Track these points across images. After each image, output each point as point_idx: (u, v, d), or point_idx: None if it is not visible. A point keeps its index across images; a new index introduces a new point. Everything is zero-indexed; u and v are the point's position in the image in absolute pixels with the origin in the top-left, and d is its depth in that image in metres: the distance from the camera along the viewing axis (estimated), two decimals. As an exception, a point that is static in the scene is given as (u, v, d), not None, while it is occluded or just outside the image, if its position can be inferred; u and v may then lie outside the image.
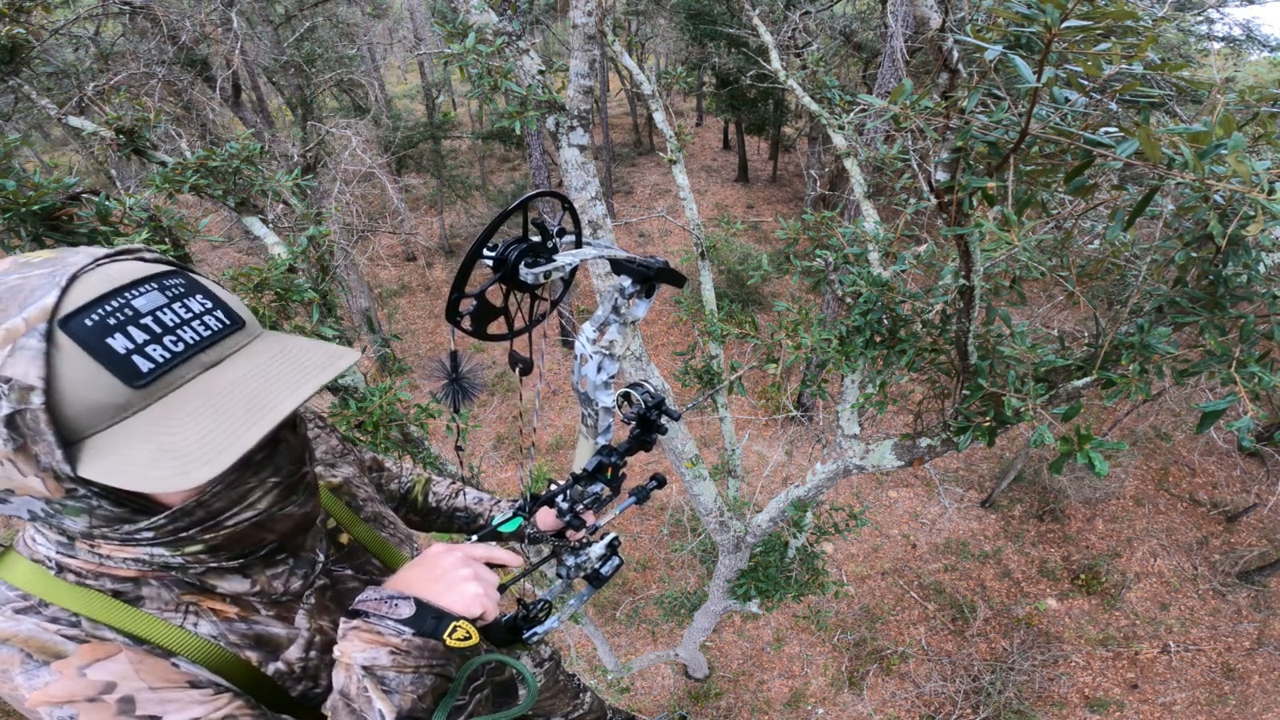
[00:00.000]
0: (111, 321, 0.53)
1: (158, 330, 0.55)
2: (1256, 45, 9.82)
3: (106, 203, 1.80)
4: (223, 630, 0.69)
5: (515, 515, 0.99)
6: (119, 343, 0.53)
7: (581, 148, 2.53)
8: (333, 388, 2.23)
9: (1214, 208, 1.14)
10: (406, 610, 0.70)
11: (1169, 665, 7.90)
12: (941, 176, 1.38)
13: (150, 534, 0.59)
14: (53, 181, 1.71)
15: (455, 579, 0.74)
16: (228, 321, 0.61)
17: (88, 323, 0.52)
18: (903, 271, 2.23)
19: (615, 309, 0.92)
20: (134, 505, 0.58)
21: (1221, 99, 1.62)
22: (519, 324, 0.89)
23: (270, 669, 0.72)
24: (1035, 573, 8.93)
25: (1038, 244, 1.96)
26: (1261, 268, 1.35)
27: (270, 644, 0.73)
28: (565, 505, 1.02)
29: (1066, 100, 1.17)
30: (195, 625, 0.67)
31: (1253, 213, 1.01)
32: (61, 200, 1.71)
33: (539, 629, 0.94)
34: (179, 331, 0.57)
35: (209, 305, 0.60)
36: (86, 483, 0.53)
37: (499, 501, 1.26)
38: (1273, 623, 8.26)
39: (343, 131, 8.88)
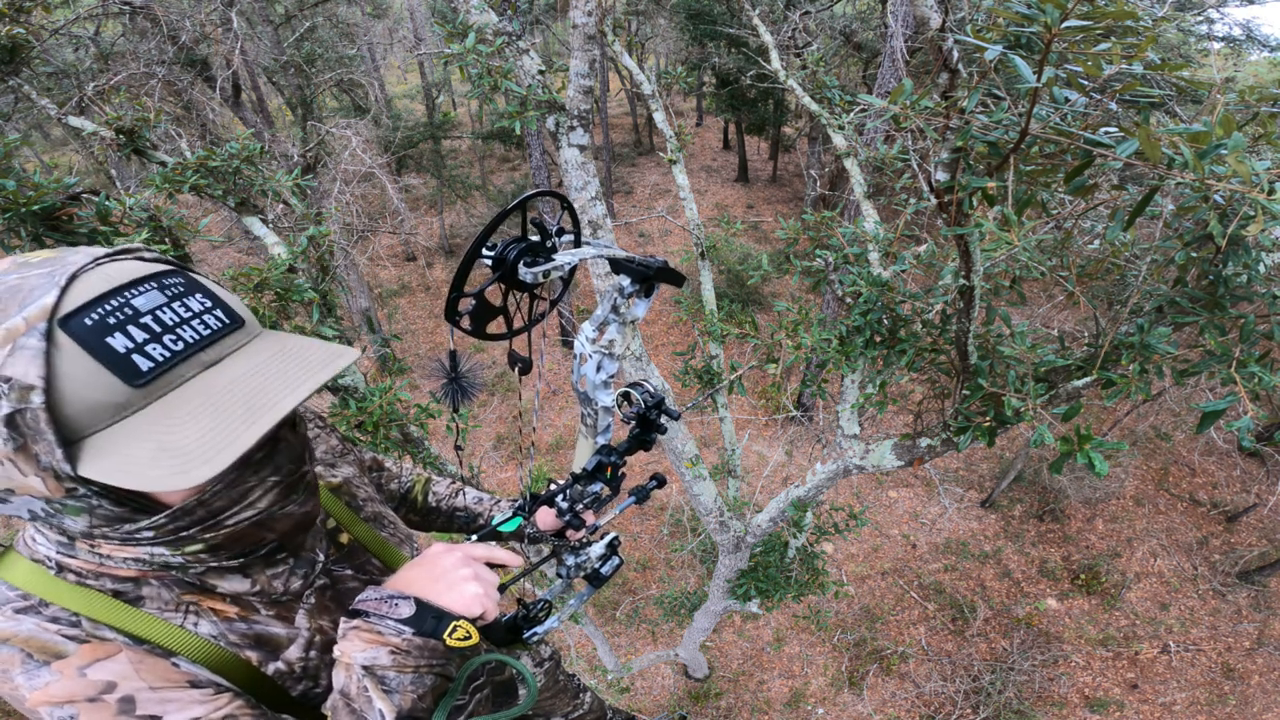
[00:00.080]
0: (111, 321, 0.53)
1: (157, 329, 0.55)
2: (1256, 45, 9.82)
3: (106, 203, 1.80)
4: (223, 630, 0.69)
5: (515, 515, 0.99)
6: (119, 342, 0.53)
7: (581, 148, 2.53)
8: (333, 388, 2.23)
9: (1214, 208, 1.14)
10: (406, 610, 0.70)
11: (1169, 665, 7.90)
12: (941, 176, 1.38)
13: (150, 533, 0.59)
14: (53, 181, 1.71)
15: (455, 579, 0.74)
16: (227, 320, 0.61)
17: (87, 322, 0.52)
18: (903, 271, 2.23)
19: (614, 308, 0.92)
20: (134, 504, 0.58)
21: (1221, 99, 1.62)
22: (518, 323, 0.89)
23: (270, 669, 0.72)
24: (1035, 573, 8.93)
25: (1038, 244, 1.96)
26: (1261, 268, 1.35)
27: (270, 644, 0.73)
28: (565, 505, 1.02)
29: (1066, 100, 1.17)
30: (195, 625, 0.67)
31: (1253, 213, 1.01)
32: (61, 200, 1.71)
33: (539, 629, 0.94)
34: (178, 330, 0.57)
35: (208, 304, 0.60)
36: (86, 482, 0.53)
37: (499, 501, 1.26)
38: (1273, 623, 8.26)
39: (343, 131, 8.88)
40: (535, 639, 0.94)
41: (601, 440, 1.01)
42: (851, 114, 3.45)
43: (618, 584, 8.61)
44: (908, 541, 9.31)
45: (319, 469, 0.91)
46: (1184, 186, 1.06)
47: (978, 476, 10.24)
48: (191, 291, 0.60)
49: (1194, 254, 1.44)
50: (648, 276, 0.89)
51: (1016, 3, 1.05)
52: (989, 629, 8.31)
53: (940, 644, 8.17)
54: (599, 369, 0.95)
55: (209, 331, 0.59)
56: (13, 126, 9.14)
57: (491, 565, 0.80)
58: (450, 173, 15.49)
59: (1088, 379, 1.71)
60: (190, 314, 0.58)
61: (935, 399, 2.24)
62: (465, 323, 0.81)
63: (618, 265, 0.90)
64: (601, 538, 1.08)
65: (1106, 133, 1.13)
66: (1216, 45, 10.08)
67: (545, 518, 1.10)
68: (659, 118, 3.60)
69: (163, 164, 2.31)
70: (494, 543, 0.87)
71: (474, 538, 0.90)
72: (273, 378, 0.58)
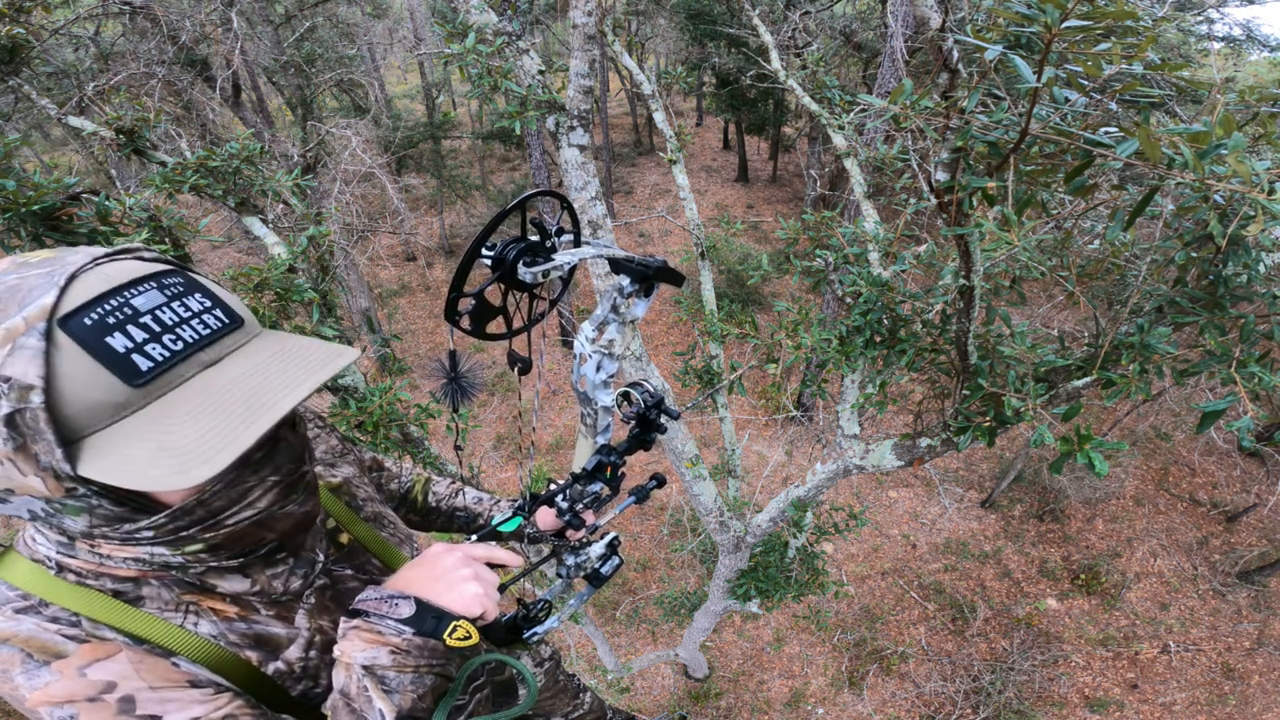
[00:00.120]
0: (111, 320, 0.53)
1: (157, 329, 0.55)
2: (1256, 45, 9.82)
3: (106, 203, 1.80)
4: (223, 630, 0.69)
5: (515, 515, 0.99)
6: (118, 341, 0.53)
7: (581, 148, 2.53)
8: (333, 388, 2.23)
9: (1214, 208, 1.14)
10: (407, 610, 0.70)
11: (1169, 665, 7.90)
12: (941, 176, 1.38)
13: (150, 533, 0.59)
14: (53, 181, 1.71)
15: (455, 579, 0.74)
16: (226, 320, 0.61)
17: (87, 321, 0.52)
18: (903, 271, 2.23)
19: (614, 308, 0.92)
20: (134, 504, 0.58)
21: (1221, 99, 1.62)
22: (518, 323, 0.89)
23: (270, 668, 0.72)
24: (1035, 573, 8.93)
25: (1038, 244, 1.95)
26: (1261, 268, 1.35)
27: (270, 643, 0.73)
28: (565, 505, 1.02)
29: (1066, 100, 1.17)
30: (195, 625, 0.67)
31: (1253, 213, 1.01)
32: (61, 200, 1.71)
33: (539, 629, 0.94)
34: (178, 330, 0.57)
35: (208, 304, 0.60)
36: (86, 482, 0.53)
37: (499, 501, 1.26)
38: (1273, 623, 8.26)
39: (343, 131, 8.88)
40: (535, 639, 0.94)
41: (601, 440, 1.01)
42: (851, 114, 3.45)
43: (618, 584, 8.61)
44: (908, 541, 9.31)
45: (319, 469, 0.91)
46: (1184, 186, 1.06)
47: (978, 476, 10.24)
48: (191, 291, 0.60)
49: (1194, 254, 1.44)
50: (647, 276, 0.89)
51: (1016, 3, 1.05)
52: (989, 629, 8.31)
53: (940, 644, 8.17)
54: (599, 369, 0.95)
55: (208, 331, 0.59)
56: (13, 126, 9.14)
57: (491, 565, 0.80)
58: (450, 173, 15.49)
59: (1088, 379, 1.71)
60: (190, 314, 0.58)
61: (935, 399, 2.24)
62: (465, 323, 0.81)
63: (617, 265, 0.90)
64: (601, 537, 1.08)
65: (1106, 133, 1.13)
66: (1216, 45, 10.08)
67: (545, 518, 1.10)
68: (659, 118, 3.60)
69: (163, 164, 2.31)
70: (494, 543, 0.87)
71: (474, 538, 0.90)
72: (272, 377, 0.58)
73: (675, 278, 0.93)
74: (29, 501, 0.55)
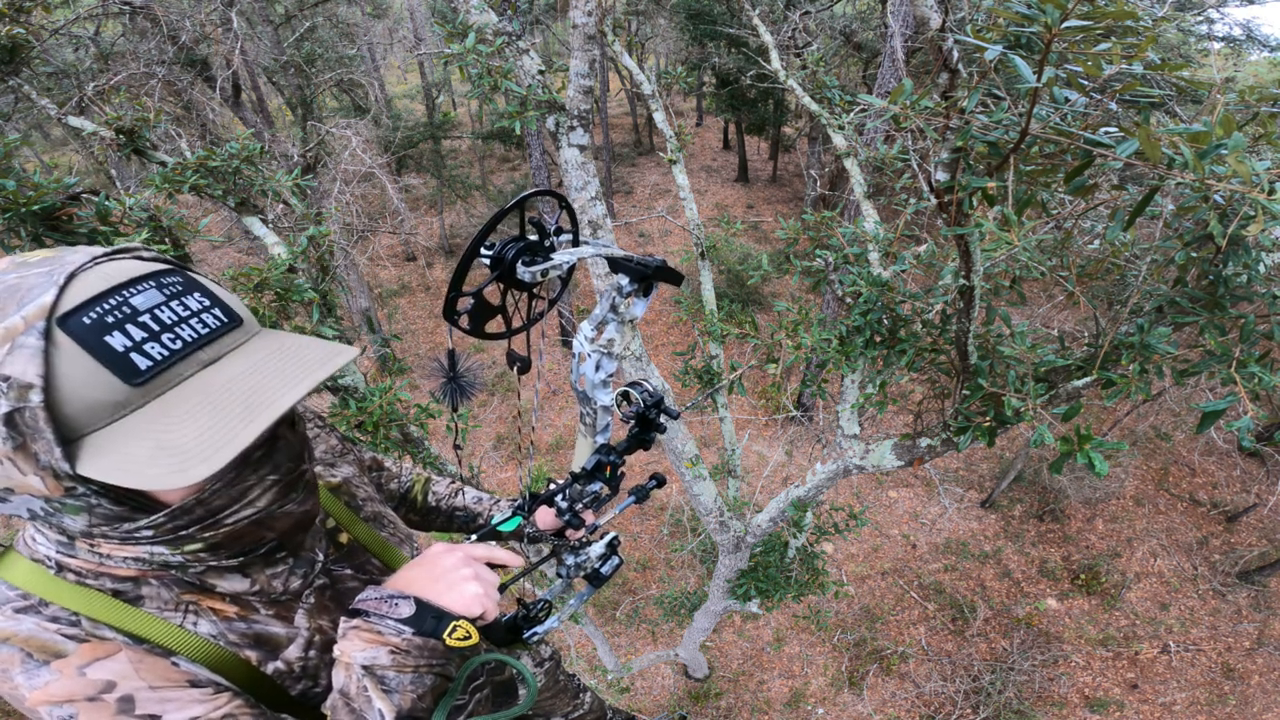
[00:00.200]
0: (110, 319, 0.53)
1: (156, 328, 0.55)
2: (1256, 45, 9.83)
3: (106, 203, 1.80)
4: (222, 629, 0.69)
5: (515, 514, 0.99)
6: (117, 340, 0.53)
7: (581, 148, 2.53)
8: (333, 388, 2.23)
9: (1214, 208, 1.14)
10: (406, 610, 0.70)
11: (1169, 665, 7.89)
12: (941, 176, 1.38)
13: (150, 532, 0.59)
14: (53, 181, 1.71)
15: (455, 579, 0.74)
16: (225, 319, 0.61)
17: (86, 320, 0.52)
18: (903, 271, 2.23)
19: (613, 307, 0.92)
20: (133, 503, 0.58)
21: (1221, 99, 1.62)
22: (517, 323, 0.89)
23: (269, 668, 0.72)
24: (1035, 573, 8.93)
25: (1038, 244, 1.95)
26: (1261, 268, 1.35)
27: (270, 643, 0.73)
28: (564, 504, 1.02)
29: (1066, 100, 1.17)
30: (195, 624, 0.67)
31: (1253, 213, 1.01)
32: (61, 200, 1.71)
33: (539, 629, 0.94)
34: (177, 329, 0.57)
35: (207, 303, 0.60)
36: (85, 481, 0.53)
37: (499, 501, 1.26)
38: (1273, 623, 8.26)
39: (343, 131, 8.88)
40: (535, 639, 0.94)
41: (601, 439, 1.01)
42: (851, 114, 3.45)
43: (618, 584, 8.61)
44: (908, 541, 9.31)
45: (318, 469, 0.91)
46: (1184, 186, 1.06)
47: (978, 476, 10.24)
48: (190, 290, 0.60)
49: (1194, 254, 1.44)
50: (646, 275, 0.89)
51: (1016, 3, 1.05)
52: (989, 629, 8.31)
53: (940, 644, 8.17)
54: (598, 368, 0.95)
55: (207, 330, 0.59)
56: (13, 126, 9.14)
57: (491, 565, 0.80)
58: (450, 173, 15.49)
59: (1088, 379, 1.71)
60: (188, 313, 0.58)
61: (935, 399, 2.24)
62: (464, 322, 0.81)
63: (616, 264, 0.90)
64: (601, 537, 1.08)
65: (1106, 133, 1.13)
66: (1216, 45, 10.08)
67: (545, 517, 1.10)
68: (659, 118, 3.60)
69: (163, 164, 2.31)
70: (494, 543, 0.87)
71: (474, 537, 0.91)
72: (271, 376, 0.58)
73: (674, 277, 0.93)
74: (28, 500, 0.55)
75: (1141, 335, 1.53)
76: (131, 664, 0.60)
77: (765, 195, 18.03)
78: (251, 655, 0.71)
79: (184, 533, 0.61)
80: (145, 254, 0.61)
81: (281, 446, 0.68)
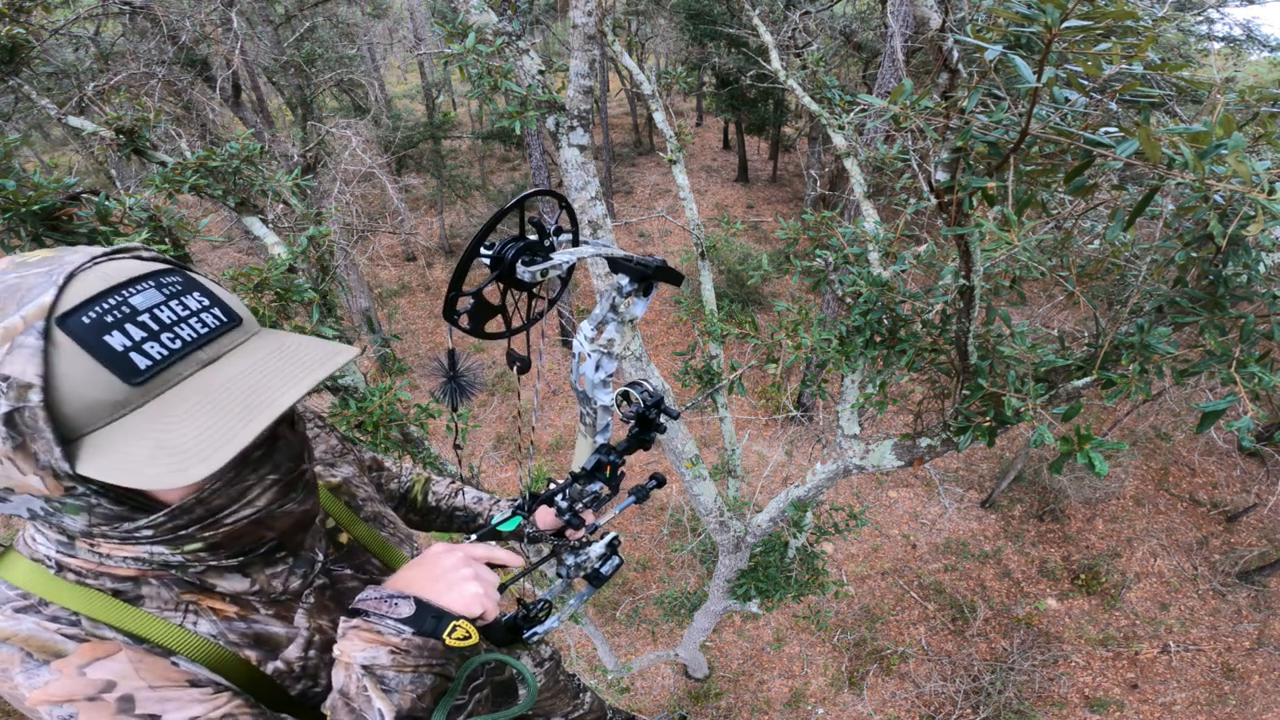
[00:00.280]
0: (109, 319, 0.53)
1: (155, 328, 0.55)
2: (1256, 45, 9.83)
3: (106, 203, 1.80)
4: (222, 629, 0.69)
5: (515, 515, 0.99)
6: (116, 340, 0.53)
7: (581, 148, 2.53)
8: (333, 388, 2.23)
9: (1214, 208, 1.14)
10: (406, 609, 0.70)
11: (1169, 665, 7.89)
12: (941, 176, 1.38)
13: (149, 532, 0.59)
14: (53, 181, 1.71)
15: (455, 579, 0.74)
16: (225, 319, 0.61)
17: (85, 320, 0.52)
18: (903, 271, 2.23)
19: (613, 307, 0.92)
20: (133, 503, 0.58)
21: (1221, 99, 1.62)
22: (517, 323, 0.89)
23: (269, 668, 0.72)
24: (1035, 573, 8.92)
25: (1038, 244, 1.95)
26: (1261, 268, 1.35)
27: (269, 643, 0.73)
28: (564, 504, 1.02)
29: (1066, 100, 1.17)
30: (195, 624, 0.67)
31: (1253, 213, 1.01)
32: (61, 200, 1.71)
33: (539, 629, 0.94)
34: (176, 329, 0.57)
35: (206, 303, 0.60)
36: (85, 480, 0.53)
37: (498, 501, 1.26)
38: (1273, 623, 8.26)
39: (343, 131, 8.88)
40: (535, 639, 0.94)
41: (601, 439, 1.01)
42: (851, 114, 3.45)
43: (618, 584, 8.61)
44: (908, 541, 9.31)
45: (318, 468, 0.91)
46: (1184, 186, 1.06)
47: (978, 476, 10.24)
48: (189, 290, 0.60)
49: (1194, 254, 1.44)
50: (646, 275, 0.89)
51: (1016, 3, 1.05)
52: (989, 629, 8.31)
53: (940, 644, 8.17)
54: (598, 368, 0.95)
55: (206, 330, 0.59)
56: (13, 126, 9.14)
57: (491, 565, 0.80)
58: (450, 173, 15.49)
59: (1088, 379, 1.71)
60: (188, 312, 0.58)
61: (935, 399, 2.24)
62: (464, 322, 0.81)
63: (616, 264, 0.90)
64: (601, 537, 1.08)
65: (1106, 133, 1.13)
66: (1216, 45, 10.08)
67: (545, 517, 1.10)
68: (659, 118, 3.60)
69: (163, 164, 2.31)
70: (494, 543, 0.87)
71: (474, 537, 0.90)
72: (270, 375, 0.58)
73: (674, 277, 0.93)
74: (28, 500, 0.55)
75: (1141, 335, 1.53)
76: (131, 664, 0.60)
77: (765, 195, 18.03)
78: (251, 655, 0.71)
79: (184, 532, 0.61)
80: (145, 254, 0.61)
81: (281, 446, 0.68)
